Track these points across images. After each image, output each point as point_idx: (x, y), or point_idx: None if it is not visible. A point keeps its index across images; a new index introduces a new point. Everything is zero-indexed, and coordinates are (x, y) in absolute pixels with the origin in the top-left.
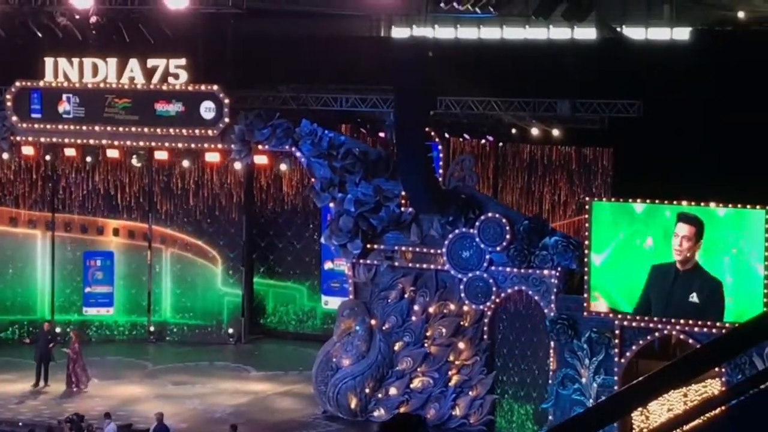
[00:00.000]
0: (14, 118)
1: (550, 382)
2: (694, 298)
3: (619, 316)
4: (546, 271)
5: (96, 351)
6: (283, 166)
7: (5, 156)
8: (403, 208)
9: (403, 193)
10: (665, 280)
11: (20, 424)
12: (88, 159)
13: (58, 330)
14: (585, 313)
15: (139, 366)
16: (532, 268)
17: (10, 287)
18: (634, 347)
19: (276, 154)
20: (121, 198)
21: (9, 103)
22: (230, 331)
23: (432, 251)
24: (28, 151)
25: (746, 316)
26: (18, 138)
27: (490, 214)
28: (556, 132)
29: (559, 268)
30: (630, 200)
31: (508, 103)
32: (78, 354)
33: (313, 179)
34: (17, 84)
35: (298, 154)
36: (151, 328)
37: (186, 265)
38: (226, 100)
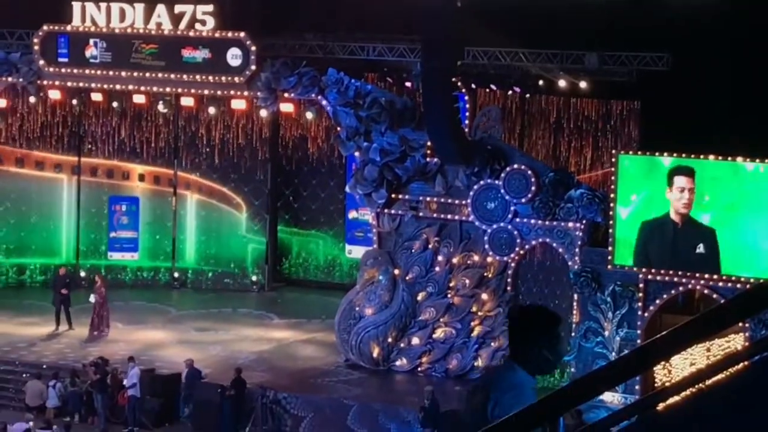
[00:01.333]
0: (41, 62)
1: (572, 334)
2: (700, 249)
3: (644, 269)
4: (571, 224)
5: (120, 296)
6: (308, 115)
7: (32, 100)
8: (428, 159)
9: (429, 143)
10: (663, 233)
11: (44, 366)
12: (115, 104)
13: (82, 274)
14: (609, 267)
15: (163, 311)
16: (556, 221)
17: (35, 231)
18: (657, 301)
19: (302, 102)
20: (146, 144)
21: (36, 47)
22: (254, 278)
23: (457, 202)
24: (54, 95)
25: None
26: (45, 82)
27: (515, 166)
28: (583, 84)
29: (584, 221)
30: (657, 154)
31: (536, 54)
32: (104, 299)
33: (338, 128)
34: (45, 28)
35: (324, 102)
36: (175, 274)
37: (210, 211)
38: (253, 48)
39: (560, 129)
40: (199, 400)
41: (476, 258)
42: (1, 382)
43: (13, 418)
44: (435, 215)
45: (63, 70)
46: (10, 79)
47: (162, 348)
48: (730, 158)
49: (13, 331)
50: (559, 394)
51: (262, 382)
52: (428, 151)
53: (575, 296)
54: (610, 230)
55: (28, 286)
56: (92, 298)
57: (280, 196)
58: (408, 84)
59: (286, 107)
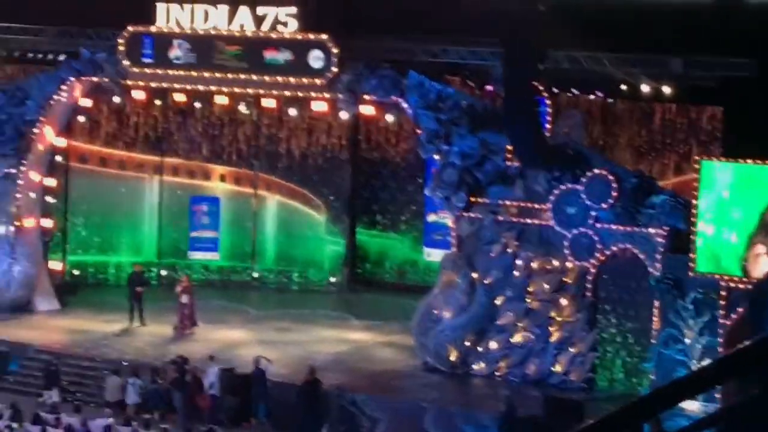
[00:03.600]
0: (126, 63)
1: (652, 341)
2: None
3: (725, 277)
4: (652, 230)
5: (200, 295)
6: (389, 117)
7: (116, 100)
8: (508, 162)
9: (510, 146)
10: None
11: (124, 363)
12: (197, 105)
13: (163, 273)
14: (691, 274)
15: (242, 311)
16: (638, 226)
17: (118, 230)
18: (740, 309)
19: (382, 104)
20: (228, 144)
21: (121, 48)
22: (332, 279)
23: (537, 206)
24: (138, 95)
25: None
26: (129, 82)
27: (596, 171)
28: (666, 89)
29: (666, 227)
30: (740, 161)
31: (619, 58)
32: (192, 298)
33: (418, 131)
34: (129, 29)
35: (404, 105)
36: (255, 274)
37: (290, 212)
38: (335, 50)
39: (642, 134)
40: (276, 399)
41: (556, 263)
42: (82, 378)
43: (93, 414)
44: (515, 219)
45: (147, 70)
46: (95, 79)
47: (241, 347)
48: None
49: (95, 329)
50: (641, 402)
51: (339, 383)
52: (508, 155)
53: (656, 303)
54: (692, 237)
55: (111, 284)
56: (184, 299)
57: (360, 198)
58: (489, 87)
59: (367, 109)
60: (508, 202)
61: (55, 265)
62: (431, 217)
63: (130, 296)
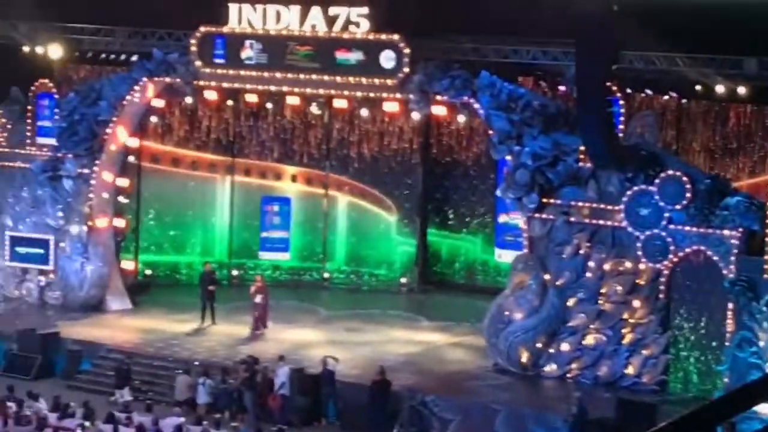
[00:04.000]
0: (198, 63)
1: (726, 344)
2: None
3: None
4: (726, 232)
5: (270, 295)
6: (461, 118)
7: (188, 100)
8: (581, 163)
9: (582, 147)
10: None
11: (195, 363)
12: (269, 105)
13: (234, 273)
14: (766, 276)
15: (313, 311)
16: (712, 228)
17: (190, 229)
18: None
19: (454, 105)
20: (299, 145)
21: (194, 48)
22: (403, 280)
23: (609, 207)
24: (210, 96)
25: None
26: (201, 83)
27: (670, 172)
28: (741, 90)
29: (740, 229)
30: None
31: (693, 59)
32: (266, 298)
33: (490, 131)
34: (202, 29)
35: (476, 105)
36: (325, 275)
37: (361, 213)
38: (407, 50)
39: (717, 135)
40: (346, 400)
41: (628, 264)
42: (154, 377)
43: (164, 413)
44: (587, 220)
45: (219, 71)
46: (167, 79)
47: (311, 348)
48: None
49: (166, 328)
50: (714, 405)
51: (409, 384)
52: (581, 156)
53: (730, 305)
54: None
55: (182, 283)
56: (257, 299)
57: (431, 198)
58: (562, 88)
59: (438, 110)
60: (580, 204)
61: (128, 264)
62: (502, 218)
63: (202, 295)
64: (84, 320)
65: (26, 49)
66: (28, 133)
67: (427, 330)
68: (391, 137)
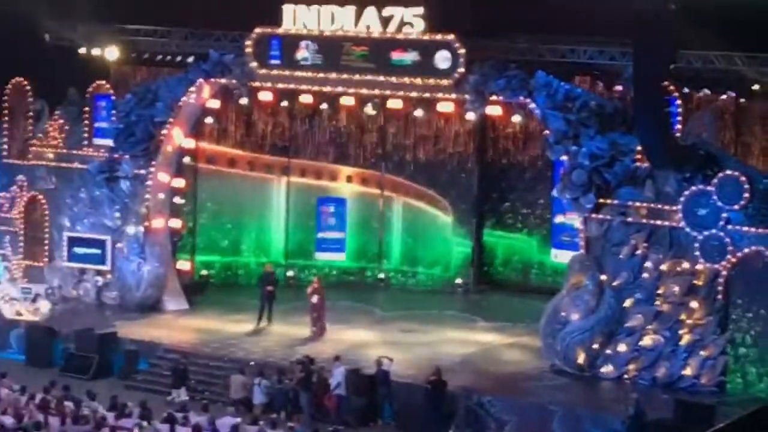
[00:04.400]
0: (253, 64)
1: None
2: None
3: None
4: None
5: (327, 296)
6: (516, 118)
7: (244, 101)
8: (638, 163)
9: (639, 147)
10: None
11: (251, 363)
12: (324, 106)
13: (290, 273)
14: None
15: (369, 312)
16: None
17: (246, 230)
18: None
19: (510, 105)
20: (354, 146)
21: (249, 50)
22: (459, 280)
23: (667, 208)
24: (265, 97)
25: None
26: (256, 84)
27: (728, 172)
28: None
29: None
30: None
31: (752, 58)
32: (322, 299)
33: (546, 131)
34: (257, 31)
35: (532, 105)
36: (381, 275)
37: (417, 214)
38: (462, 50)
39: None
40: (402, 400)
41: (686, 265)
42: (210, 377)
43: (220, 413)
44: (644, 221)
45: (274, 72)
46: (223, 80)
47: (367, 348)
48: None
49: (223, 328)
50: None
51: (466, 384)
52: (638, 156)
53: None
54: None
55: (238, 284)
56: (313, 299)
57: (487, 199)
58: (618, 87)
59: (494, 110)
60: (637, 204)
61: (184, 265)
62: (559, 219)
63: (261, 295)
64: (141, 320)
65: (84, 50)
66: (86, 135)
67: (483, 330)
68: (447, 137)
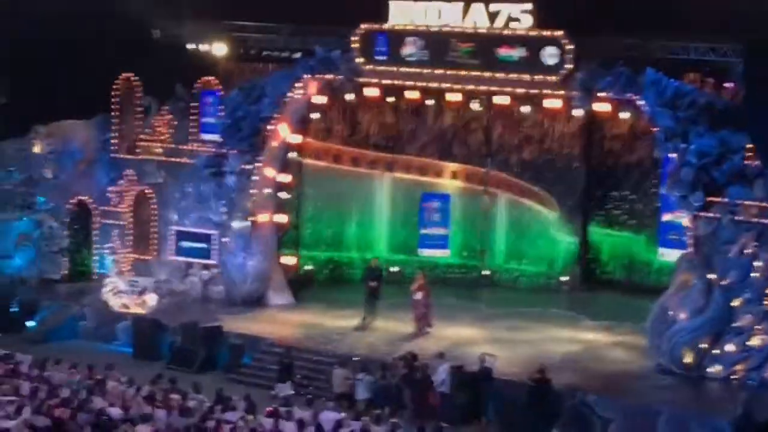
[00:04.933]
0: (360, 60)
1: None
2: None
3: None
4: None
5: (431, 292)
6: (624, 115)
7: (349, 97)
8: (748, 161)
9: (750, 145)
10: None
11: (355, 359)
12: (430, 102)
13: (395, 269)
14: None
15: (473, 309)
16: None
17: (350, 226)
18: None
19: (617, 102)
20: (459, 142)
21: (355, 45)
22: (564, 278)
23: None
24: (371, 92)
25: None
26: (362, 80)
27: None
28: None
29: None
30: None
31: None
32: (427, 296)
33: (655, 129)
34: (363, 26)
35: (640, 103)
36: (485, 272)
37: (522, 210)
38: (570, 46)
39: None
40: (506, 398)
41: None
42: (314, 372)
43: (324, 408)
44: (754, 219)
45: (380, 68)
46: (329, 76)
47: (471, 345)
48: None
49: (327, 323)
50: None
51: (570, 383)
52: (748, 154)
53: None
54: None
55: (342, 279)
56: (417, 296)
57: (593, 196)
58: (729, 85)
59: (601, 107)
60: (747, 202)
61: (289, 260)
62: (666, 217)
63: (365, 291)
64: (246, 314)
65: (192, 46)
66: (193, 130)
67: (588, 329)
68: (553, 134)
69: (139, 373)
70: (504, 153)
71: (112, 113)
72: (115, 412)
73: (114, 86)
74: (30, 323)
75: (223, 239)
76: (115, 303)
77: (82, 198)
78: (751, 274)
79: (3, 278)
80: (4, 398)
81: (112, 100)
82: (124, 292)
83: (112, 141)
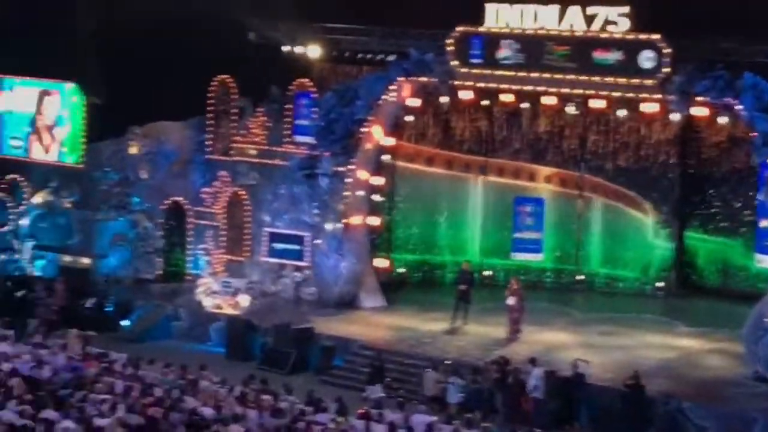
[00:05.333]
0: (454, 63)
1: None
2: None
3: None
4: None
5: (524, 297)
6: (722, 119)
7: (444, 100)
8: None
9: None
10: None
11: (447, 362)
12: (524, 105)
13: (487, 273)
14: None
15: (566, 314)
16: None
17: (442, 229)
18: None
19: (715, 106)
20: (553, 145)
21: (450, 48)
22: (659, 284)
23: None
24: (466, 95)
25: None
26: (456, 83)
27: None
28: None
29: None
30: None
31: None
32: (521, 301)
33: (753, 134)
34: (459, 29)
35: (738, 107)
36: (579, 277)
37: (616, 215)
38: (667, 50)
39: None
40: (599, 404)
41: None
42: (405, 375)
43: (415, 410)
44: None
45: (475, 71)
46: (423, 79)
47: (564, 350)
48: None
49: (418, 326)
50: None
51: (665, 389)
52: None
53: None
54: None
55: (434, 282)
56: (510, 301)
57: (689, 201)
58: None
59: (699, 111)
60: None
61: (381, 262)
62: (763, 223)
63: (456, 294)
64: (338, 316)
65: (286, 48)
66: (287, 132)
67: (683, 335)
68: (649, 138)
69: (232, 373)
70: (599, 157)
71: (208, 115)
72: (208, 411)
73: (210, 88)
74: (124, 323)
75: (316, 241)
76: (209, 303)
77: (177, 199)
78: None
79: (98, 278)
80: (99, 396)
81: (208, 101)
82: (217, 292)
83: (207, 142)
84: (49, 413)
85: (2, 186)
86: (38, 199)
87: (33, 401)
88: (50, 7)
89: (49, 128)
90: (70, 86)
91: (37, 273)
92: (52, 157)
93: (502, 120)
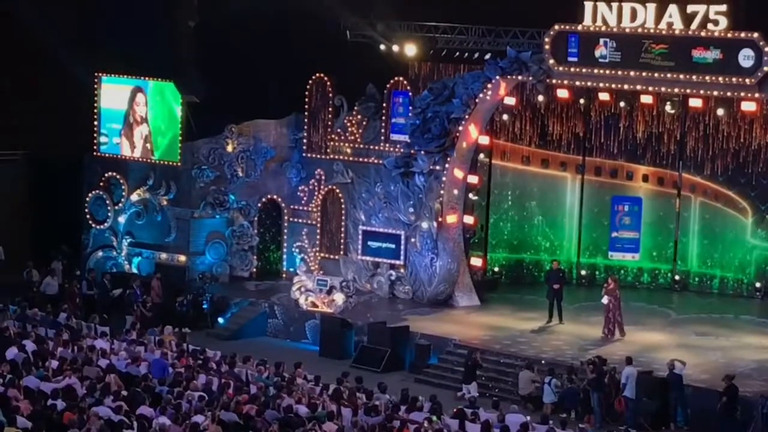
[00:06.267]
0: (551, 62)
1: None
2: None
3: None
4: None
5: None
6: None
7: (541, 99)
8: None
9: None
10: None
11: (542, 362)
12: (622, 104)
13: (583, 272)
14: None
15: (662, 314)
16: None
17: (539, 227)
18: None
19: None
20: (652, 144)
21: (547, 47)
22: (758, 284)
23: None
24: (563, 94)
25: None
26: (553, 81)
27: None
28: None
29: None
30: None
31: None
32: (618, 301)
33: None
34: (556, 27)
35: None
36: (676, 277)
37: (715, 215)
38: (766, 49)
39: None
40: (696, 405)
41: None
42: (500, 374)
43: (510, 409)
44: None
45: (572, 69)
46: (519, 77)
47: (660, 350)
48: None
49: (513, 325)
50: None
51: (762, 391)
52: None
53: None
54: None
55: (530, 281)
56: (605, 300)
57: None
58: None
59: None
60: None
61: (476, 261)
62: None
63: (548, 293)
64: (432, 315)
65: (383, 47)
66: (383, 130)
67: None
68: (748, 138)
69: (326, 371)
70: (698, 156)
71: (305, 113)
72: (302, 409)
73: (307, 86)
74: (220, 320)
75: (411, 240)
76: (304, 301)
77: (273, 196)
78: None
79: (194, 275)
80: (195, 393)
81: (305, 99)
82: (312, 290)
83: (304, 140)
84: (145, 410)
85: (100, 184)
86: (135, 196)
87: (129, 397)
88: (148, 6)
89: (145, 126)
90: (166, 84)
91: (133, 270)
92: (148, 155)
93: (600, 119)
